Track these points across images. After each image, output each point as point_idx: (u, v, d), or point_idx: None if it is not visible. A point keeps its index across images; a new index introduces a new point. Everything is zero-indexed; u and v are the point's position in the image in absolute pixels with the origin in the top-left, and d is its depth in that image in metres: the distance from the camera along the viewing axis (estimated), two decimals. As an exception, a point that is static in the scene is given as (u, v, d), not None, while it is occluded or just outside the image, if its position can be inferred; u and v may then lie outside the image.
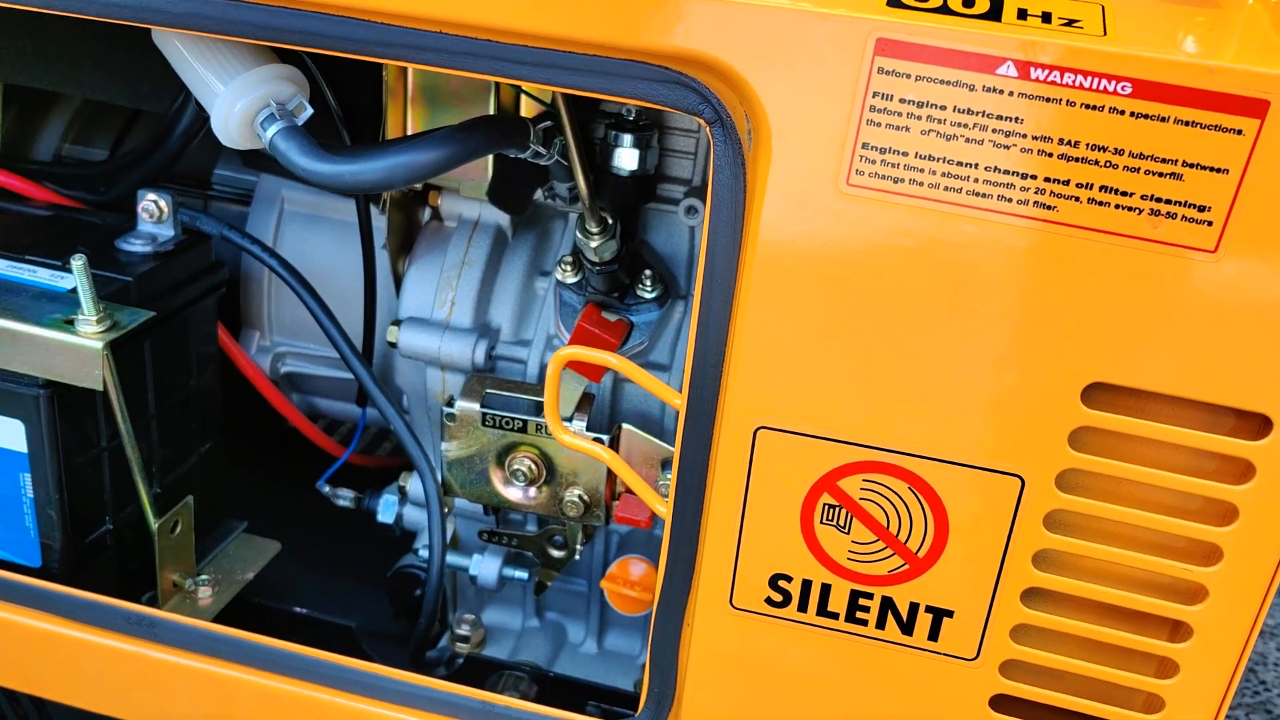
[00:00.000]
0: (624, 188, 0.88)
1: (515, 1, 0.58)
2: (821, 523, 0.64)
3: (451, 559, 1.00)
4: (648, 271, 0.89)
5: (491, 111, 0.87)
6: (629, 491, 0.89)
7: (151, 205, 0.91)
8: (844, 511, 0.64)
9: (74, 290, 0.83)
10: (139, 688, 0.84)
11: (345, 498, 1.06)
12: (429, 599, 0.92)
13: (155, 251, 0.91)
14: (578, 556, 0.94)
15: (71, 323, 0.78)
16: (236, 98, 0.70)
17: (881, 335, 0.59)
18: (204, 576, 0.98)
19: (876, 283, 0.58)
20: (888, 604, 0.65)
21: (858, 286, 0.58)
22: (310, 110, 0.73)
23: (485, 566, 0.99)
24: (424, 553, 1.01)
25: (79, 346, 0.77)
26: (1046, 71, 0.52)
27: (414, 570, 1.03)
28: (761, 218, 0.58)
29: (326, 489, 1.06)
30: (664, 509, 0.70)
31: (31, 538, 0.86)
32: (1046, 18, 0.53)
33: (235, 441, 1.08)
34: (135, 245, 0.90)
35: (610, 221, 0.83)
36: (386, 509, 1.04)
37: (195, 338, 0.96)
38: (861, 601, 0.66)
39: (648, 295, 0.90)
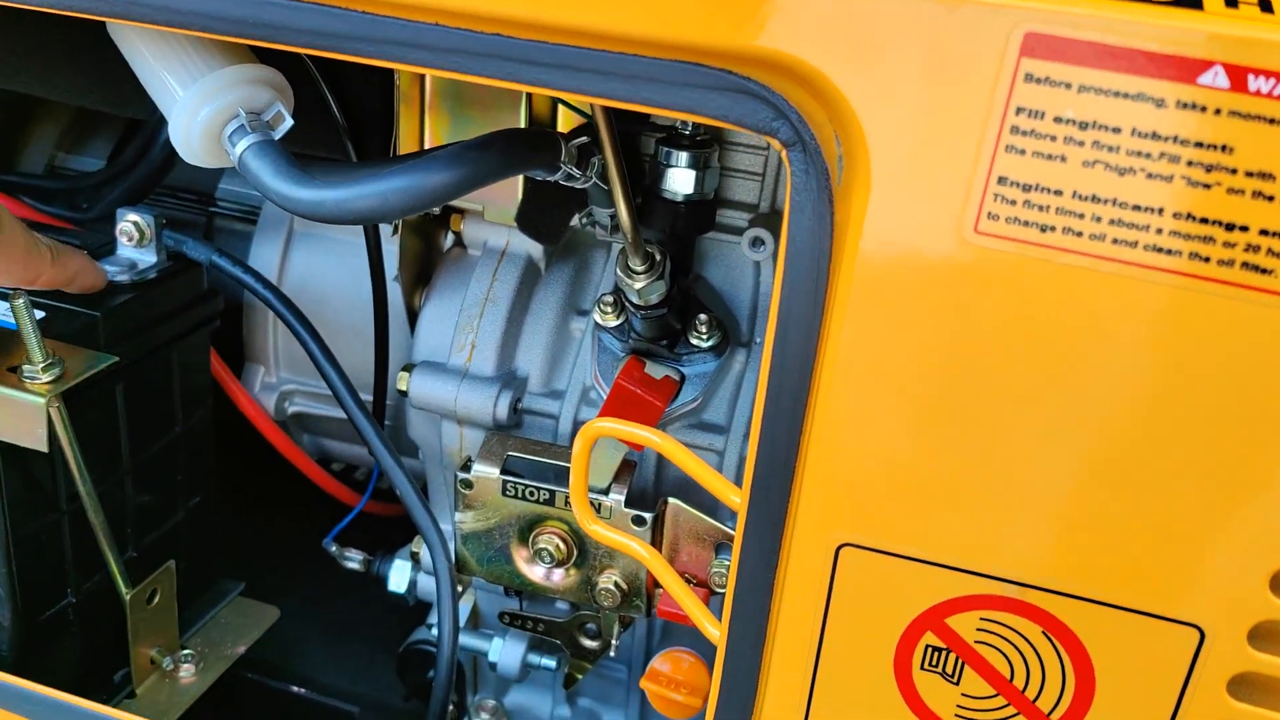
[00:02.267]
0: (677, 215, 0.73)
1: (532, -17, 0.44)
2: (923, 668, 0.49)
3: (470, 641, 0.87)
4: (703, 315, 0.74)
5: (522, 122, 0.74)
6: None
7: (130, 227, 0.79)
8: (953, 656, 0.48)
9: (41, 321, 0.71)
10: (91, 799, 0.71)
11: (354, 559, 0.93)
12: (437, 693, 0.78)
13: (134, 280, 0.78)
14: (614, 652, 0.80)
15: (15, 370, 0.65)
16: (199, 105, 0.57)
17: (1014, 433, 0.43)
18: (187, 651, 0.86)
19: (1011, 363, 0.42)
20: (1006, 774, 0.50)
21: (985, 367, 0.43)
22: (290, 122, 0.59)
23: (507, 653, 0.85)
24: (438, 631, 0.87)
25: (18, 400, 0.64)
26: (1272, 82, 0.36)
27: (426, 647, 0.90)
28: (854, 272, 0.43)
29: (334, 549, 0.93)
30: (715, 631, 0.55)
31: (-21, 615, 0.74)
32: (1267, 6, 0.38)
33: (234, 490, 0.96)
34: (111, 273, 0.78)
35: (658, 258, 0.69)
36: (398, 576, 0.90)
37: (182, 377, 0.83)
38: (971, 769, 0.50)
39: (703, 344, 0.75)
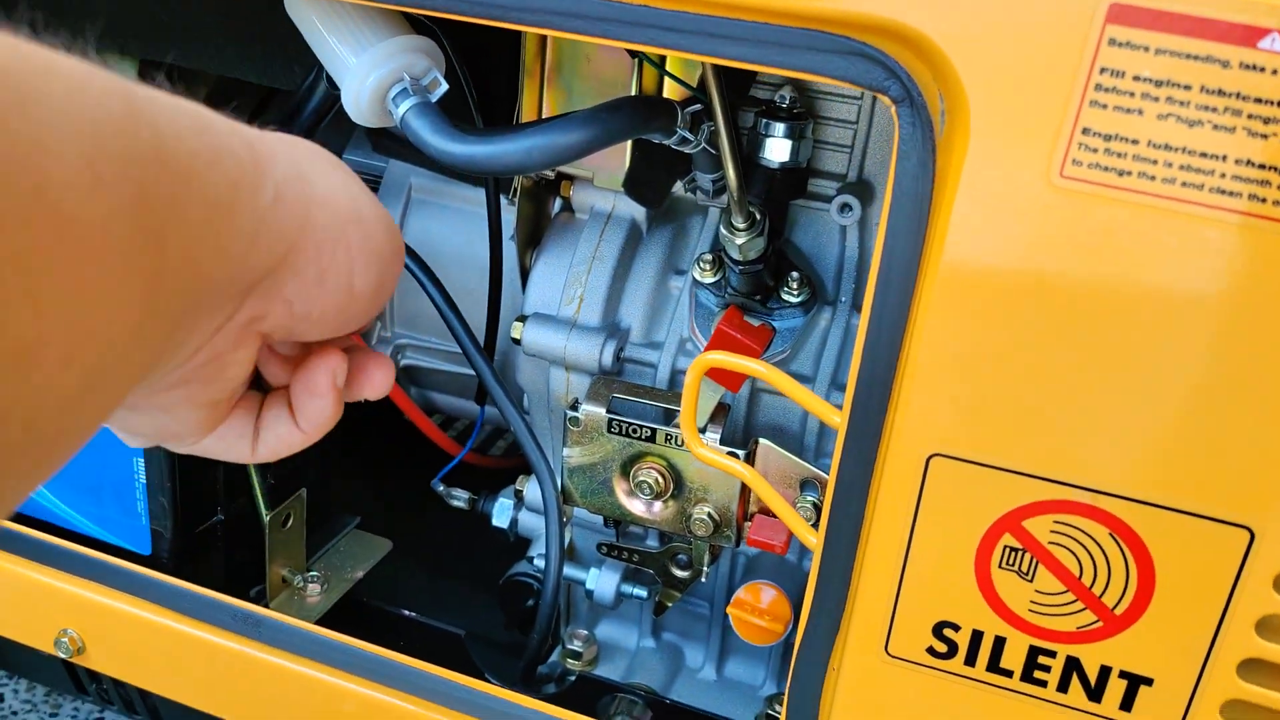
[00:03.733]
0: (773, 181, 0.81)
1: (678, -39, 0.51)
2: (1001, 567, 0.56)
3: (568, 571, 0.94)
4: (794, 274, 0.82)
5: (633, 92, 0.81)
6: (763, 512, 0.81)
7: (277, 185, 0.87)
8: (1028, 556, 0.55)
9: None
10: (240, 687, 0.80)
11: (460, 498, 1.01)
12: (543, 615, 0.86)
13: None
14: (704, 579, 0.87)
15: (190, 304, 0.74)
16: (369, 70, 0.65)
17: (1090, 355, 0.50)
18: (314, 573, 0.94)
19: (1090, 293, 0.49)
20: (1073, 665, 0.57)
21: (1066, 296, 0.49)
22: (445, 85, 0.67)
23: (603, 582, 0.92)
24: (539, 562, 0.95)
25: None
26: (1323, 45, 0.43)
27: (527, 579, 0.98)
28: (953, 213, 0.50)
29: (441, 488, 1.02)
30: (813, 539, 0.62)
31: (143, 524, 0.83)
32: (1321, -19, 0.44)
33: (350, 435, 1.04)
34: (259, 227, 0.87)
35: (759, 217, 0.76)
36: (501, 513, 0.98)
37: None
38: (1042, 660, 0.57)
39: (793, 299, 0.82)
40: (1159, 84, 0.45)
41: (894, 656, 0.60)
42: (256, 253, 0.41)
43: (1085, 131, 0.47)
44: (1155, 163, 0.46)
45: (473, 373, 1.06)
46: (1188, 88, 0.45)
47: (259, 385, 0.51)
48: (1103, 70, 0.46)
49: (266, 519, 0.87)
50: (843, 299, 0.85)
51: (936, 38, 0.48)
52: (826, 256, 0.86)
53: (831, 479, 0.59)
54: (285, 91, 1.10)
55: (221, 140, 0.39)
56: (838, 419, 0.59)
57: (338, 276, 0.45)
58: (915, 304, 0.53)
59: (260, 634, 0.78)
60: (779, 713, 0.92)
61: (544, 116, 0.84)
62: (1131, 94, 0.46)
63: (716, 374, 0.77)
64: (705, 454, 0.68)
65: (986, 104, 0.48)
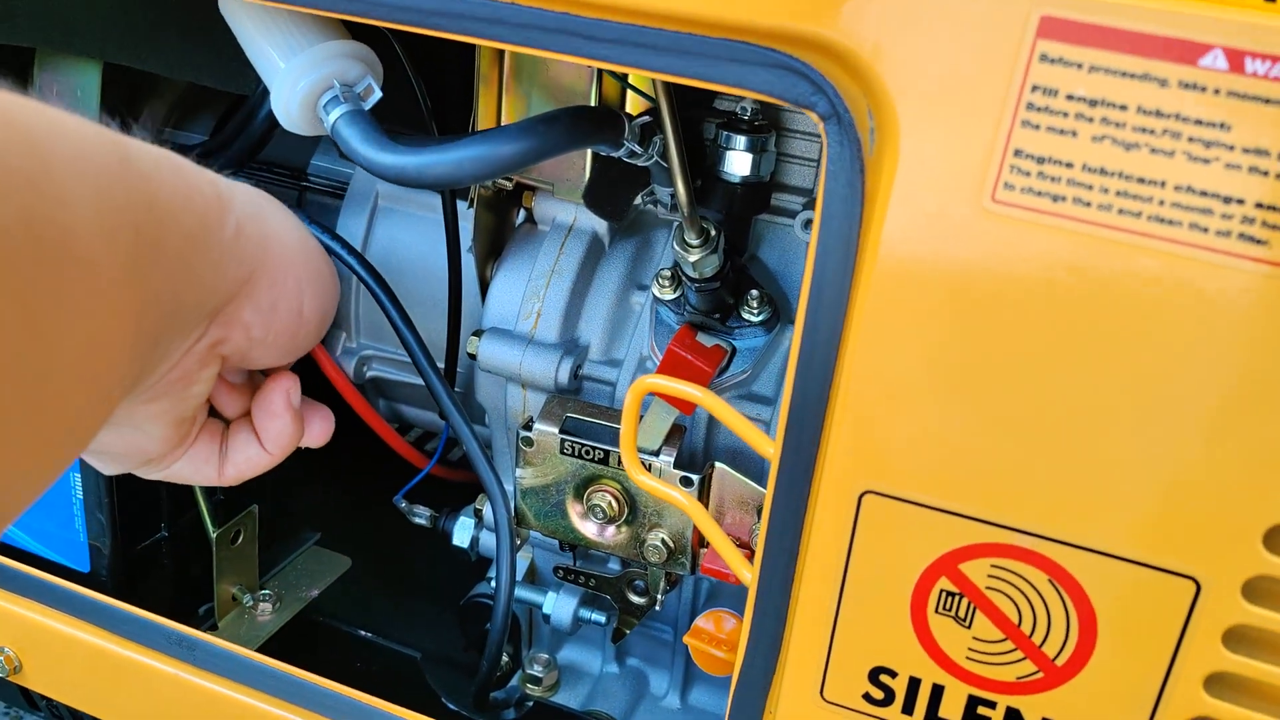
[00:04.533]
0: (734, 196, 0.78)
1: (598, -33, 0.49)
2: (937, 611, 0.53)
3: (526, 594, 0.92)
4: (754, 291, 0.79)
5: (592, 100, 0.78)
6: (720, 538, 0.78)
7: (229, 194, 0.85)
8: (965, 601, 0.52)
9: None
10: (176, 712, 0.77)
11: (421, 515, 0.99)
12: (492, 640, 0.84)
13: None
14: (659, 606, 0.84)
15: (124, 316, 0.72)
16: (299, 75, 0.63)
17: (1027, 389, 0.47)
18: (266, 591, 0.92)
19: (1024, 324, 0.46)
20: (1014, 717, 0.53)
21: (999, 327, 0.46)
22: (379, 94, 0.65)
23: (560, 606, 0.90)
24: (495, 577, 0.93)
25: (127, 342, 0.71)
26: (1269, 64, 0.40)
27: (487, 600, 0.95)
28: (882, 236, 0.47)
29: (403, 504, 0.99)
30: (748, 574, 0.59)
31: (80, 540, 0.81)
32: (1270, -6, 0.41)
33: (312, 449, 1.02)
34: (211, 236, 0.84)
35: (712, 233, 0.73)
36: (462, 532, 0.96)
37: (270, 337, 0.90)
38: (981, 710, 0.54)
39: (754, 318, 0.79)
40: (1093, 104, 0.42)
41: (830, 702, 0.57)
42: (223, 279, 0.48)
43: (1017, 154, 0.44)
44: (1091, 188, 0.43)
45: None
46: (1124, 108, 0.42)
47: (221, 416, 0.57)
48: (1034, 88, 0.43)
49: (214, 536, 0.85)
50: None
51: (863, 51, 0.45)
52: (791, 273, 0.83)
53: (765, 514, 0.56)
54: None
55: (192, 181, 0.48)
56: (770, 449, 0.56)
57: (289, 302, 0.52)
58: (846, 333, 0.50)
59: (195, 658, 0.76)
60: (741, 744, 0.89)
61: (503, 121, 0.81)
62: (1065, 114, 0.43)
63: (667, 396, 0.75)
64: (646, 482, 0.65)
65: (916, 122, 0.45)
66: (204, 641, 0.76)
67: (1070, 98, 0.42)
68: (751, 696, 0.60)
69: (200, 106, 1.10)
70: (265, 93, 0.87)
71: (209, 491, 0.84)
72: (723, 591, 0.90)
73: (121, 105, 1.07)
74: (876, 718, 0.56)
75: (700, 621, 0.86)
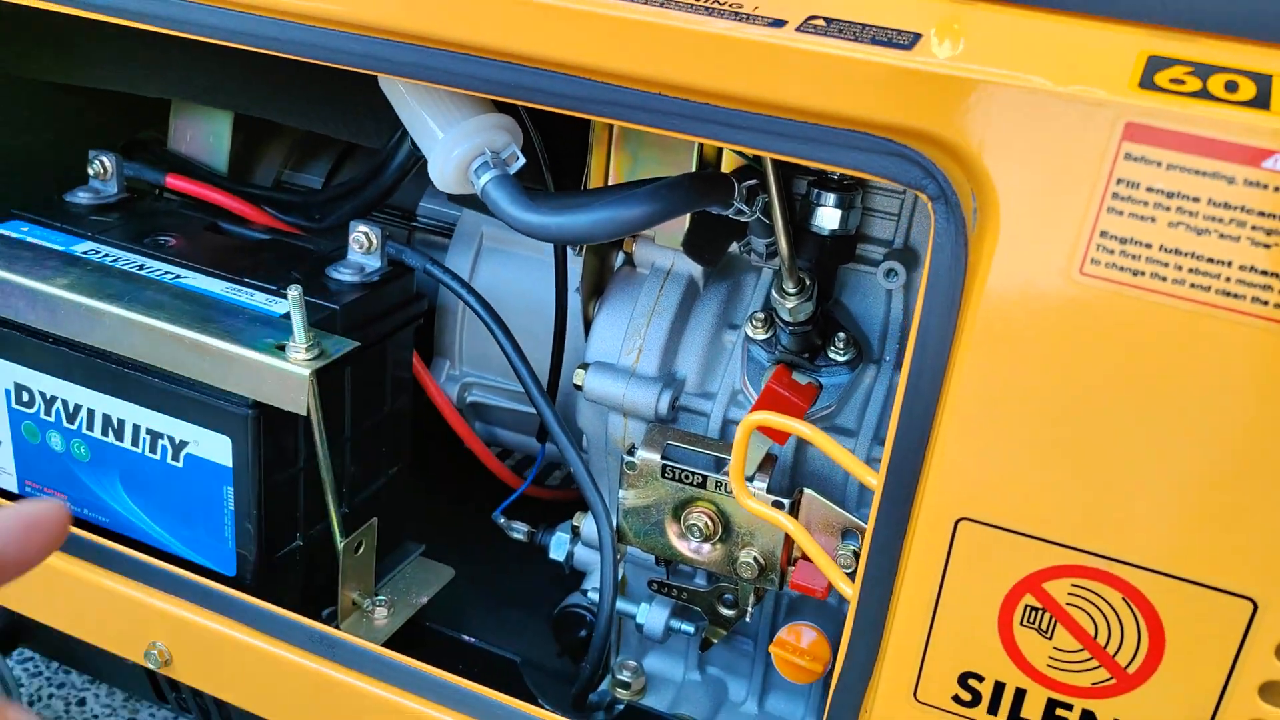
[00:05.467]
0: (823, 247, 0.86)
1: (735, 67, 0.57)
2: (1022, 624, 0.60)
3: (621, 605, 1.00)
4: (841, 334, 0.87)
5: (694, 164, 0.87)
6: (806, 558, 0.86)
7: (362, 236, 0.95)
8: (1048, 615, 0.60)
9: (286, 315, 0.87)
10: (314, 703, 0.86)
11: (519, 531, 1.07)
12: (595, 645, 0.92)
13: (362, 281, 0.94)
14: (748, 618, 0.92)
15: (283, 348, 0.81)
16: (454, 145, 0.72)
17: (1106, 433, 0.55)
18: (381, 597, 1.01)
19: (1105, 378, 0.54)
20: (1088, 718, 0.61)
21: (1084, 380, 0.54)
22: (522, 160, 0.74)
23: (653, 616, 0.98)
24: (593, 594, 1.01)
25: (288, 372, 0.80)
26: (1321, 167, 0.47)
27: (580, 610, 1.03)
28: (982, 300, 0.55)
29: (502, 520, 1.08)
30: (849, 589, 0.67)
31: (229, 548, 0.90)
32: (1322, 107, 0.49)
33: (419, 465, 1.11)
34: (344, 274, 0.94)
35: (808, 283, 0.81)
36: (558, 547, 1.04)
37: (392, 365, 0.99)
38: (1059, 713, 0.61)
39: (840, 358, 0.87)
40: (1170, 195, 0.50)
41: (922, 702, 0.65)
42: None
43: (1103, 234, 0.52)
44: (1166, 265, 0.51)
45: (534, 410, 1.12)
46: (1196, 199, 0.50)
47: None
48: (1119, 181, 0.51)
49: (340, 545, 0.94)
50: (887, 358, 0.90)
51: (971, 146, 0.53)
52: (872, 317, 0.91)
53: (867, 536, 0.64)
54: (363, 146, 1.18)
55: None
56: (874, 480, 0.64)
57: None
58: (947, 381, 0.58)
59: (335, 655, 0.84)
60: (816, 748, 0.96)
61: (610, 182, 0.90)
62: (1145, 203, 0.51)
63: (765, 429, 0.83)
64: (752, 505, 0.73)
65: (1015, 205, 0.53)
66: (344, 640, 0.85)
67: (1150, 189, 0.50)
68: (850, 697, 0.67)
69: (314, 152, 1.20)
70: (397, 146, 0.96)
71: (338, 504, 0.93)
72: (802, 607, 0.98)
73: (246, 149, 1.17)
74: (965, 718, 0.64)
75: (782, 634, 0.93)
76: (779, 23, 0.57)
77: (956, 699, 0.64)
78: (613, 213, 0.70)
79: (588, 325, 0.99)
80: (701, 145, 0.87)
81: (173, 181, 1.03)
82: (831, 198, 0.84)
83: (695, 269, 0.94)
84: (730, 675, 1.06)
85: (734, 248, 0.92)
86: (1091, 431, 0.55)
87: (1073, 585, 0.58)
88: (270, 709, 0.89)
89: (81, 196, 1.03)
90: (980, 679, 0.63)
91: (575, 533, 1.03)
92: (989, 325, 0.55)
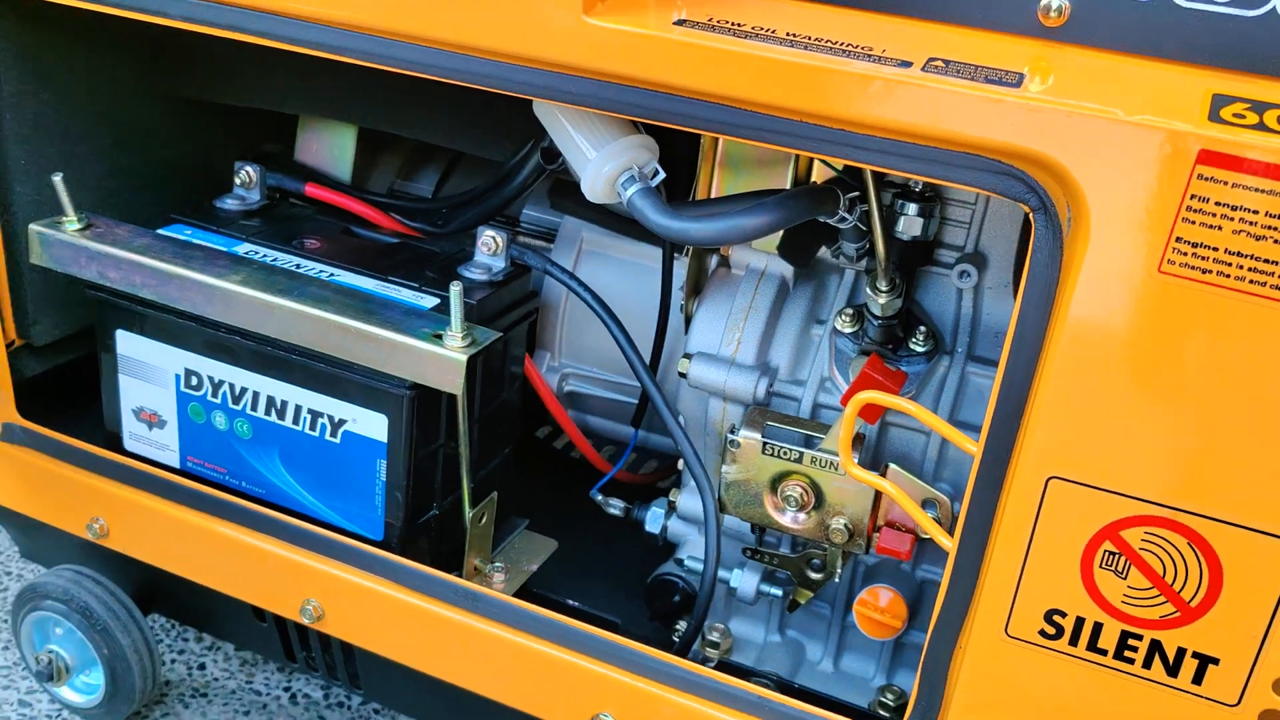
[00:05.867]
0: (906, 251, 0.98)
1: (872, 100, 0.69)
2: (1100, 567, 0.72)
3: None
4: (922, 327, 0.98)
5: (789, 179, 0.99)
6: (889, 525, 0.98)
7: (490, 240, 1.07)
8: (1123, 559, 0.71)
9: (434, 309, 0.99)
10: (458, 650, 0.98)
11: (616, 507, 1.19)
12: (700, 604, 1.03)
13: (490, 280, 1.06)
14: (836, 579, 1.04)
15: (440, 337, 0.93)
16: (604, 162, 0.84)
17: (1179, 403, 0.66)
18: (498, 564, 1.12)
19: (1178, 357, 0.65)
20: (1155, 647, 0.72)
21: (1160, 360, 0.66)
22: (662, 174, 0.86)
23: (745, 581, 1.09)
24: (689, 563, 1.12)
25: (447, 358, 0.92)
26: (1358, 186, 0.59)
27: (672, 578, 1.15)
28: (1074, 293, 0.67)
29: (599, 497, 1.19)
30: (948, 542, 0.79)
31: (378, 516, 1.02)
32: (1359, 138, 0.61)
33: (522, 449, 1.23)
34: (474, 273, 1.06)
35: (899, 282, 0.93)
36: (654, 520, 1.16)
37: (511, 357, 1.11)
38: (1131, 642, 0.73)
39: (919, 349, 0.99)
40: (1234, 208, 0.62)
41: (1012, 637, 0.76)
42: None
43: (1179, 240, 0.64)
44: (1230, 265, 0.63)
45: (624, 399, 1.24)
46: (1256, 212, 0.62)
47: None
48: (1193, 196, 0.63)
49: (469, 515, 1.06)
50: (959, 350, 1.02)
51: (1070, 167, 0.65)
52: (945, 314, 1.03)
53: (967, 494, 0.76)
54: (471, 157, 1.30)
55: None
56: (973, 447, 0.76)
57: None
58: (1041, 362, 0.70)
59: (478, 608, 0.96)
60: (890, 700, 1.08)
61: (714, 193, 1.02)
62: (1214, 214, 0.62)
63: (863, 408, 0.94)
64: (856, 473, 0.85)
65: (1104, 216, 0.65)
66: (486, 594, 0.97)
67: (1218, 204, 0.62)
68: (947, 635, 0.79)
69: (423, 163, 1.32)
70: (523, 160, 1.08)
71: (470, 477, 1.05)
72: (877, 573, 1.10)
73: (363, 161, 1.29)
74: (1049, 648, 0.75)
75: (863, 595, 1.05)
76: (906, 64, 0.69)
77: (1042, 633, 0.75)
78: (745, 220, 0.82)
79: (687, 321, 1.10)
80: (796, 162, 0.99)
81: (312, 190, 1.15)
82: (914, 207, 0.96)
83: (787, 270, 1.06)
84: (808, 637, 1.17)
85: (825, 252, 1.04)
86: (1166, 402, 0.67)
87: (1145, 533, 0.70)
88: (415, 657, 1.00)
89: (229, 203, 1.15)
90: (1063, 615, 0.74)
91: (671, 507, 1.15)
92: (1080, 313, 0.67)
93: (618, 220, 1.19)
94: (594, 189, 0.85)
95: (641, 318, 1.18)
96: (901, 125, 0.68)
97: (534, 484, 1.27)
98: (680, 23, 0.74)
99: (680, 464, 1.12)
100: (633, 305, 1.18)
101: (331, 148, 1.25)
